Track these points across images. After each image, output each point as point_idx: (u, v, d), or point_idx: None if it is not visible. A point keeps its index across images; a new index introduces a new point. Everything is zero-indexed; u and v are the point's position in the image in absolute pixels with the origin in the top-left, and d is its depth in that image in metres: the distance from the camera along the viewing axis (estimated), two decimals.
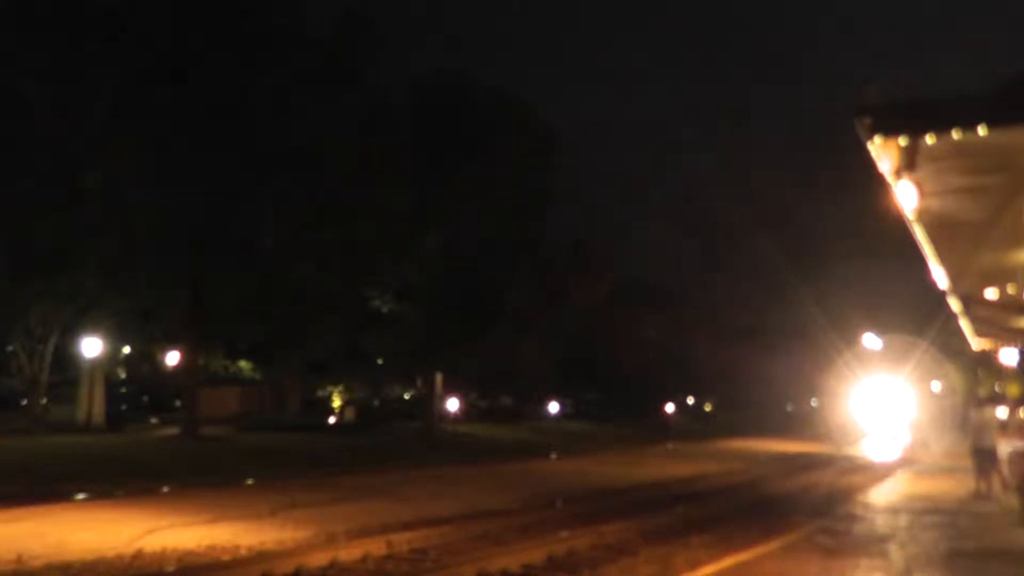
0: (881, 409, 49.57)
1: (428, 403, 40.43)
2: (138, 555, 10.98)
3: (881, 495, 19.97)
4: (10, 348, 32.59)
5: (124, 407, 37.25)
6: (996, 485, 18.39)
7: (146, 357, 40.46)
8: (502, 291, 36.93)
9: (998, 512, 16.06)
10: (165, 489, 17.96)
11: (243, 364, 41.69)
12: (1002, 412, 23.59)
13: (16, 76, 25.02)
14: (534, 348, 42.64)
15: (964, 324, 18.04)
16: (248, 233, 28.38)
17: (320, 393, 47.48)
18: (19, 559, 10.33)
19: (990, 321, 16.42)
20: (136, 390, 42.82)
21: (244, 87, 27.57)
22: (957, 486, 20.57)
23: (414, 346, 37.40)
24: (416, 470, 24.30)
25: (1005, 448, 18.73)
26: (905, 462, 34.08)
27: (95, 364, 33.25)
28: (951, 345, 34.78)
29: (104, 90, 26.02)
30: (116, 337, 34.04)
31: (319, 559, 10.76)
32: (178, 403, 36.33)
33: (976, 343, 21.46)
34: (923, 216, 8.93)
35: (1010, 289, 12.63)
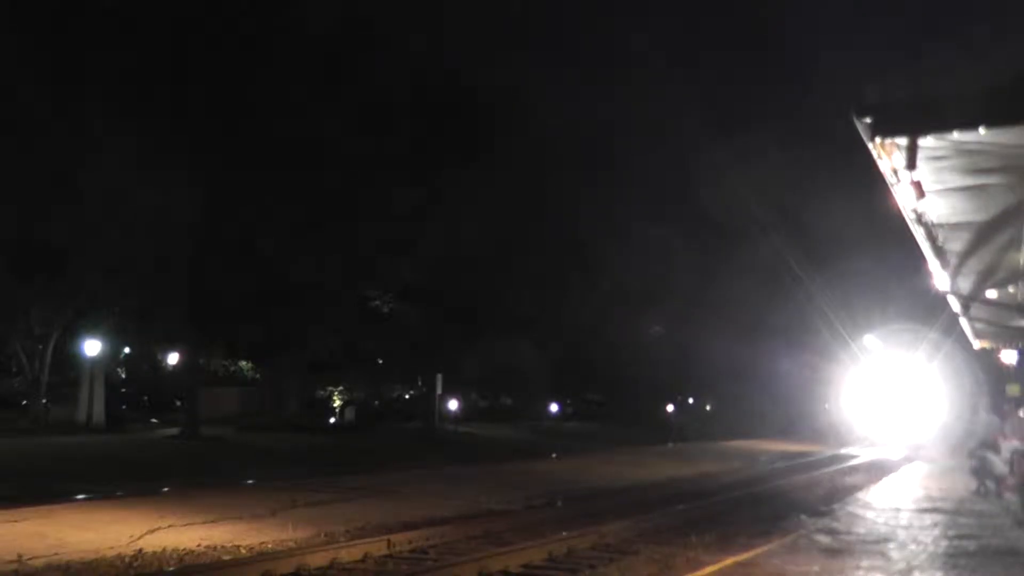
0: (883, 409, 49.55)
1: (428, 403, 40.43)
2: (138, 555, 10.97)
3: (882, 494, 19.96)
4: (10, 348, 32.63)
5: (124, 407, 37.25)
6: (996, 485, 18.40)
7: (146, 357, 40.47)
8: (502, 291, 36.91)
9: (998, 512, 16.06)
10: (165, 489, 17.94)
11: (243, 364, 41.70)
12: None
13: (16, 75, 25.03)
14: (534, 348, 42.63)
15: (964, 324, 18.02)
16: (248, 233, 28.38)
17: (320, 393, 47.45)
18: (19, 559, 10.32)
19: (990, 321, 16.42)
20: (136, 390, 42.80)
21: (244, 86, 27.58)
22: (958, 485, 20.59)
23: (414, 346, 37.41)
24: (416, 470, 24.25)
25: (1005, 448, 18.72)
26: (906, 461, 34.07)
27: (95, 364, 33.25)
28: (953, 345, 34.75)
29: (104, 90, 26.03)
30: (116, 337, 34.07)
31: (319, 559, 10.75)
32: (178, 403, 36.36)
33: (976, 343, 21.44)
34: (923, 216, 8.92)
35: (1010, 289, 12.62)
